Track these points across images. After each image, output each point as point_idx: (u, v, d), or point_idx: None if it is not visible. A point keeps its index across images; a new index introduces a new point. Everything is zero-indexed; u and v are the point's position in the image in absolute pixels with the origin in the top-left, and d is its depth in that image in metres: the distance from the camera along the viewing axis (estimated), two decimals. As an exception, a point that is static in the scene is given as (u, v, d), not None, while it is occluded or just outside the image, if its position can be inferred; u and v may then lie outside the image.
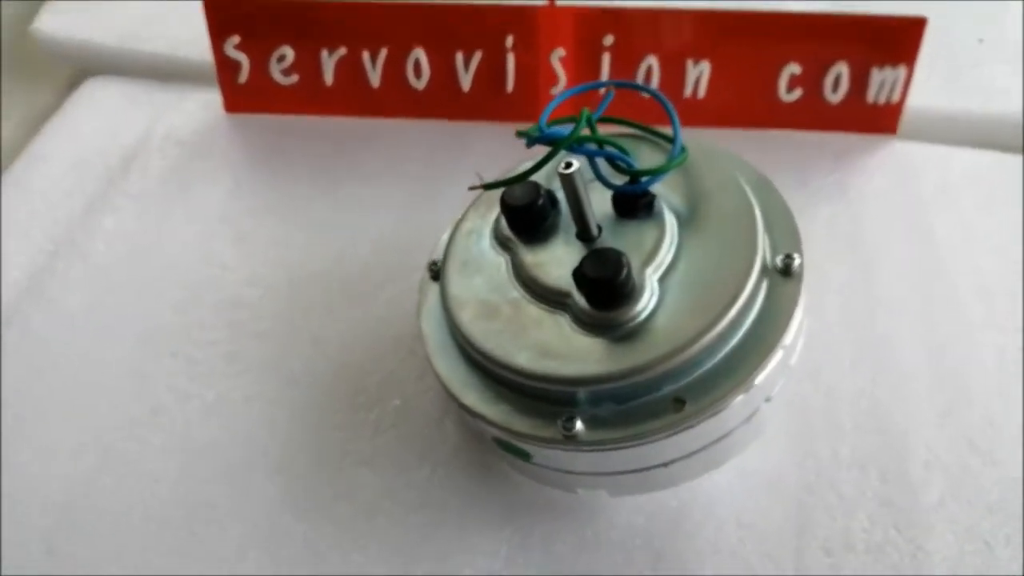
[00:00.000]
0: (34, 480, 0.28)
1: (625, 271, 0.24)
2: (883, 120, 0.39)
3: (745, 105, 0.39)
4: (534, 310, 0.26)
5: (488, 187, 0.26)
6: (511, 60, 0.39)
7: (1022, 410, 0.30)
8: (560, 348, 0.25)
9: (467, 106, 0.40)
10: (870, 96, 0.39)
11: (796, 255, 0.26)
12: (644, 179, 0.26)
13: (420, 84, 0.40)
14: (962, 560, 0.26)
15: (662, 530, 0.27)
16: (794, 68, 0.38)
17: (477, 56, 0.39)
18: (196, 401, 0.30)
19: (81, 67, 0.44)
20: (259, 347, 0.32)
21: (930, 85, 0.40)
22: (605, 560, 0.27)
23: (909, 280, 0.34)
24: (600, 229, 0.26)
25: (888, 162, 0.39)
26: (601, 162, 0.26)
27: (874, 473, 0.28)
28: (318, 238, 0.36)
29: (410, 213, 0.37)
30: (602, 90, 0.29)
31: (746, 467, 0.29)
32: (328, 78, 0.40)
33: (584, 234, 0.26)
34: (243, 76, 0.40)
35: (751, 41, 0.38)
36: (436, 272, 0.29)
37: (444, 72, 0.39)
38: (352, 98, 0.40)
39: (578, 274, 0.24)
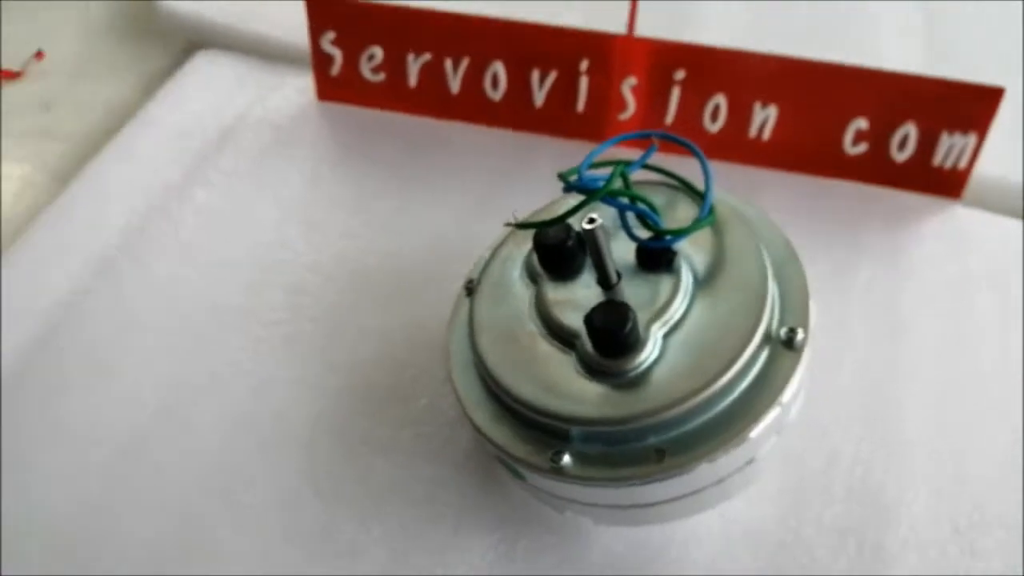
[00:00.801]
0: (97, 421, 0.33)
1: (630, 325, 0.26)
2: (948, 184, 0.39)
3: (808, 152, 0.40)
4: (546, 346, 0.28)
5: (519, 226, 0.29)
6: (584, 83, 0.40)
7: (1019, 506, 0.30)
8: (562, 386, 0.27)
9: (537, 120, 0.42)
10: (936, 159, 0.39)
11: (800, 330, 0.27)
12: (667, 237, 0.28)
13: (496, 95, 0.42)
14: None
15: (638, 561, 0.29)
16: (861, 123, 0.39)
17: (552, 75, 0.41)
18: (250, 377, 0.34)
19: (195, 39, 0.48)
20: (311, 332, 0.35)
21: (1003, 154, 0.40)
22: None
23: (935, 353, 0.34)
24: (620, 276, 0.28)
25: (945, 227, 0.39)
26: (630, 214, 0.28)
27: (852, 542, 0.29)
28: (381, 233, 0.39)
29: (469, 219, 0.39)
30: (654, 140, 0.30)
31: (730, 513, 0.30)
32: (412, 80, 0.42)
33: (604, 282, 0.28)
34: (335, 69, 0.43)
35: (821, 91, 0.38)
36: (471, 290, 0.31)
37: (519, 86, 0.41)
38: (431, 100, 0.43)
39: (588, 321, 0.26)
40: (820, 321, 0.35)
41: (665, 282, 0.28)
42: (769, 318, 0.27)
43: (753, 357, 0.26)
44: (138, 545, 0.30)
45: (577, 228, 0.29)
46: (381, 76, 0.43)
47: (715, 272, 0.28)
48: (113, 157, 0.42)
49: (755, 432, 0.26)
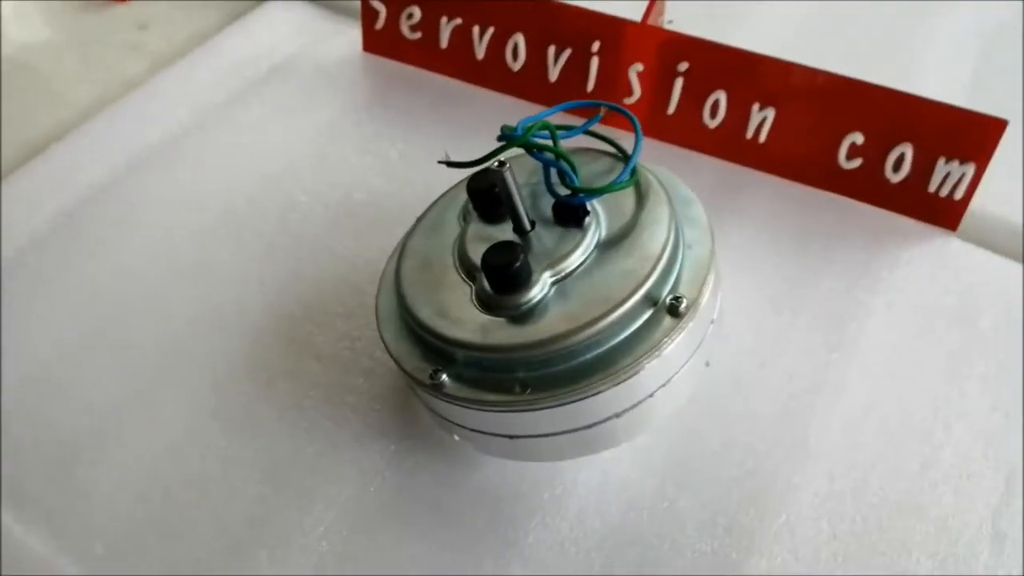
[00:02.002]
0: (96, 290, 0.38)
1: (517, 264, 0.28)
2: (943, 214, 0.38)
3: (802, 160, 0.40)
4: (454, 276, 0.30)
5: (449, 164, 0.31)
6: (595, 64, 0.42)
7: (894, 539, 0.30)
8: (454, 312, 0.29)
9: (550, 94, 0.44)
10: (932, 186, 0.38)
11: (686, 299, 0.28)
12: (580, 196, 0.29)
13: (516, 66, 0.44)
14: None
15: (511, 495, 0.31)
16: (857, 137, 0.38)
17: (567, 53, 0.42)
18: (228, 271, 0.38)
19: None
20: (289, 246, 0.39)
21: (1008, 191, 0.38)
22: (452, 500, 0.31)
23: (871, 377, 0.34)
24: (534, 225, 0.30)
25: (929, 257, 0.38)
26: (553, 173, 0.30)
27: (723, 524, 0.30)
28: (382, 173, 0.42)
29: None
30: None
31: (613, 472, 0.31)
32: (443, 42, 0.45)
33: (517, 226, 0.30)
34: (380, 23, 0.47)
35: (820, 99, 0.38)
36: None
37: (536, 60, 0.43)
38: (459, 63, 0.45)
39: (483, 257, 0.29)
40: (761, 317, 0.36)
41: (572, 236, 0.29)
42: (656, 283, 0.28)
43: (629, 315, 0.27)
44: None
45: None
46: (418, 35, 0.46)
47: (622, 236, 0.29)
48: (175, 75, 0.47)
49: (611, 384, 0.27)
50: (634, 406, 0.28)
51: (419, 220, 0.33)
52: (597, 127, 0.32)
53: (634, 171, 0.30)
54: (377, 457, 0.32)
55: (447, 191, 0.34)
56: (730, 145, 0.41)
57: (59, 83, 0.49)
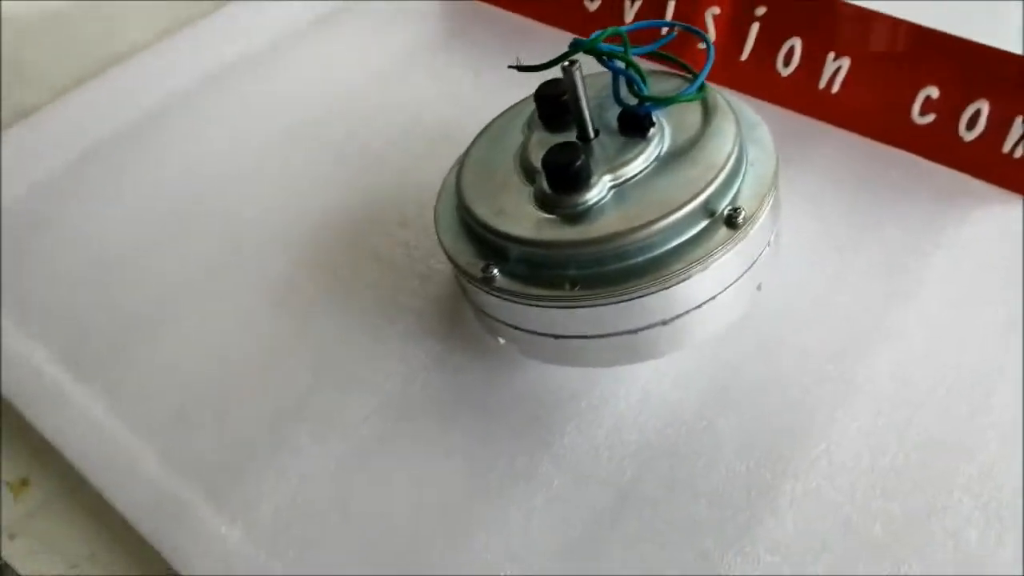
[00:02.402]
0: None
1: (577, 163, 0.28)
2: (1016, 178, 0.37)
3: (875, 114, 0.39)
4: (515, 179, 0.31)
5: (520, 69, 0.31)
6: (671, 5, 0.42)
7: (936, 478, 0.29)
8: (511, 210, 0.29)
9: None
10: (1007, 146, 0.37)
11: (744, 211, 0.28)
12: (647, 104, 0.30)
13: (592, 6, 0.44)
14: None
15: (551, 401, 0.31)
16: (933, 91, 0.37)
17: (643, -8, 0.43)
18: (308, 190, 0.39)
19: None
20: (351, 158, 0.40)
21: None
22: (493, 400, 0.32)
23: (925, 324, 0.33)
24: (598, 133, 0.30)
25: (997, 220, 0.37)
26: (623, 85, 0.30)
27: (759, 451, 0.30)
28: (448, 101, 0.43)
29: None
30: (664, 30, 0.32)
31: (654, 388, 0.32)
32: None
33: (581, 133, 0.30)
34: (461, -41, 0.47)
35: (896, 49, 0.38)
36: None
37: (613, 1, 0.44)
38: (553, 9, 0.46)
39: (544, 156, 0.29)
40: (820, 255, 0.35)
41: (635, 145, 0.30)
42: (715, 193, 0.28)
43: (685, 222, 0.28)
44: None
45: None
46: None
47: (685, 149, 0.30)
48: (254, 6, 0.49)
49: (659, 288, 0.27)
50: (680, 315, 0.29)
51: (482, 131, 0.34)
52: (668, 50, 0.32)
53: (702, 87, 0.30)
54: (423, 355, 0.33)
55: (511, 106, 0.34)
56: (802, 95, 0.40)
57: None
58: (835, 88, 0.40)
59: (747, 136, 0.30)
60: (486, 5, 0.48)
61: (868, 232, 0.36)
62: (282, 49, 0.46)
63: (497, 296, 0.29)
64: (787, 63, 0.40)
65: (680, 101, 0.30)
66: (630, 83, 0.30)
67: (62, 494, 0.32)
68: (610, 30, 0.29)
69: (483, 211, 0.30)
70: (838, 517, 0.28)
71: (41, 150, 0.42)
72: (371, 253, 0.36)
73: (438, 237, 0.31)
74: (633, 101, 0.30)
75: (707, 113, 0.30)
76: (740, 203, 0.28)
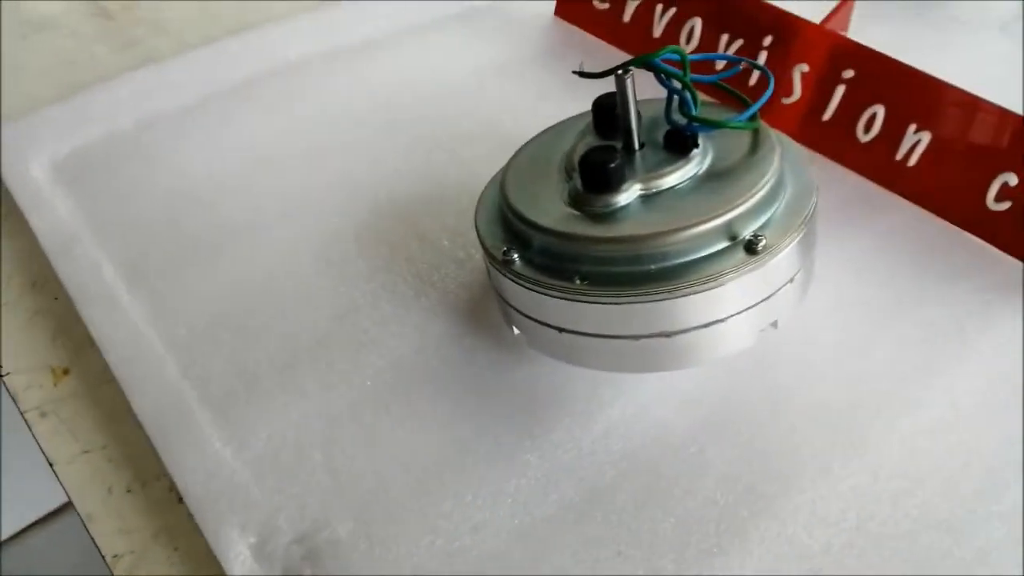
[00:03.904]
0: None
1: (611, 167, 0.29)
2: (1088, 280, 0.36)
3: (949, 194, 0.38)
4: (555, 175, 0.32)
5: (582, 75, 0.33)
6: (763, 57, 0.43)
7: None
8: (542, 202, 0.31)
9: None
10: (1084, 246, 0.35)
11: (764, 239, 0.28)
12: (695, 124, 0.30)
13: (688, 48, 0.45)
14: None
15: (552, 399, 0.32)
16: (1010, 177, 0.36)
17: (738, 43, 0.43)
18: (372, 167, 0.42)
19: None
20: (439, 160, 0.42)
21: None
22: (494, 385, 0.33)
23: (958, 410, 0.31)
24: (643, 145, 0.31)
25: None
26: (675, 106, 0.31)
27: (743, 485, 0.29)
28: (540, 121, 0.44)
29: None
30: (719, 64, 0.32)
31: (649, 407, 0.31)
32: (627, 16, 0.47)
33: (627, 142, 0.31)
34: (575, -10, 0.50)
35: (978, 130, 0.37)
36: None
37: (708, 45, 0.44)
38: (636, 39, 0.47)
39: (582, 155, 0.30)
40: (854, 315, 0.34)
41: (674, 162, 0.30)
42: (739, 218, 0.28)
43: (702, 238, 0.28)
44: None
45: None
46: (606, 5, 0.48)
47: (723, 173, 0.30)
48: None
49: (664, 296, 0.27)
50: (684, 331, 0.29)
51: (543, 131, 0.35)
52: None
53: (754, 117, 0.31)
54: (439, 331, 0.34)
55: (578, 113, 0.36)
56: (878, 163, 0.40)
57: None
58: (912, 161, 0.39)
59: (791, 174, 0.31)
60: (590, 36, 0.50)
61: (910, 306, 0.35)
62: (400, 41, 0.49)
63: (513, 280, 0.30)
64: (868, 130, 0.40)
65: (728, 127, 0.30)
66: (682, 103, 0.31)
67: (93, 386, 0.35)
68: (670, 48, 0.30)
69: (515, 198, 0.31)
70: (807, 567, 0.27)
71: (158, 93, 0.46)
72: (418, 233, 0.38)
73: (475, 217, 0.33)
74: (683, 121, 0.31)
75: (754, 145, 0.31)
76: (765, 233, 0.28)
